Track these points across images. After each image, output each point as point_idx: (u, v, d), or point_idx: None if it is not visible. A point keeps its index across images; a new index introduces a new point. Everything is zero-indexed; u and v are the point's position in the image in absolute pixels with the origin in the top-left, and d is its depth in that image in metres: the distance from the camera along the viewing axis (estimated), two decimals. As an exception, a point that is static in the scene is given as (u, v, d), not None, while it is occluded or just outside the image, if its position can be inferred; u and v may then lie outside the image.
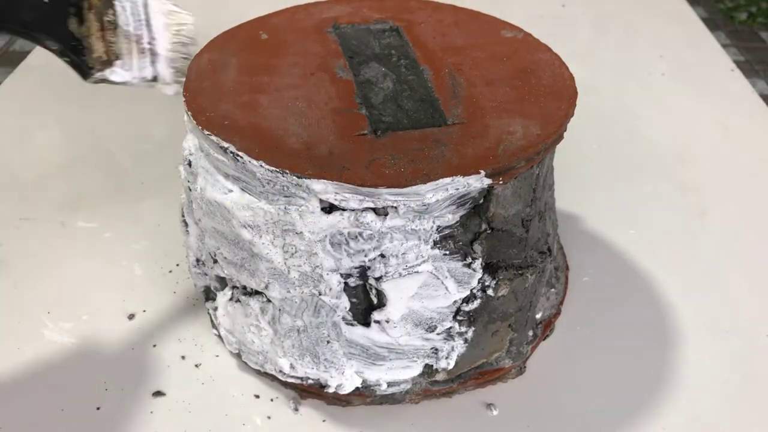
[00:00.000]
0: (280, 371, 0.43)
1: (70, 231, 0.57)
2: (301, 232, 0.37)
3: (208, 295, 0.47)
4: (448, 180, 0.35)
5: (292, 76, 0.42)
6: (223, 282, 0.45)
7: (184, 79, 0.40)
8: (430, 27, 0.47)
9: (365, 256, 0.37)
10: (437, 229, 0.37)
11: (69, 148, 0.66)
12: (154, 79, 0.39)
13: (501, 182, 0.37)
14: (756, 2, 1.56)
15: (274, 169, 0.35)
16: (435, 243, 0.37)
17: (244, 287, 0.42)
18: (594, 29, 0.87)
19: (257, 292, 0.42)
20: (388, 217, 0.36)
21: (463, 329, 0.41)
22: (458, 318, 0.40)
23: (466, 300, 0.40)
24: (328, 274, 0.38)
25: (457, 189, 0.36)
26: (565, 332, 0.49)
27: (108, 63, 0.37)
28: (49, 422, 0.43)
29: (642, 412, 0.45)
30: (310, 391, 0.44)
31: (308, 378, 0.43)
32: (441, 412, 0.44)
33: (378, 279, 0.38)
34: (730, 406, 0.45)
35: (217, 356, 0.47)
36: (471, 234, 0.38)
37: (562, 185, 0.50)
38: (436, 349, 0.42)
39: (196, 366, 0.47)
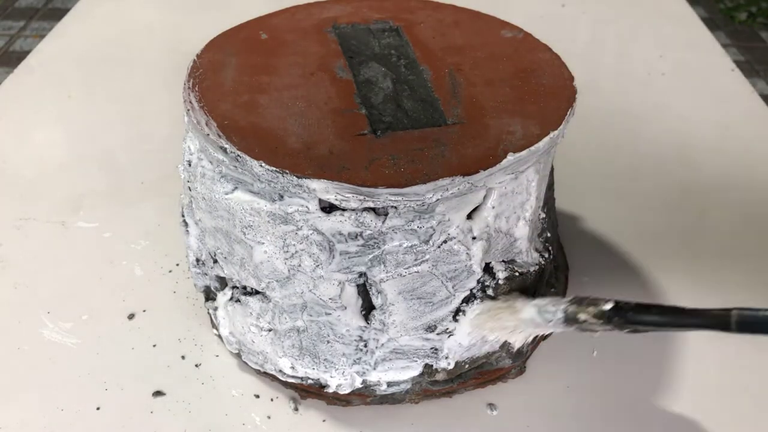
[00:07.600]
0: (280, 371, 0.43)
1: (70, 231, 0.57)
2: (301, 233, 0.37)
3: (208, 295, 0.47)
4: (448, 180, 0.35)
5: (292, 76, 0.42)
6: (223, 282, 0.45)
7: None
8: (430, 27, 0.47)
9: (365, 256, 0.37)
10: (437, 229, 0.37)
11: (69, 148, 0.66)
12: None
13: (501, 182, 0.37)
14: (756, 2, 1.56)
15: (273, 169, 0.35)
16: (435, 243, 0.37)
17: (244, 287, 0.42)
18: (594, 29, 0.87)
19: (257, 292, 0.42)
20: (388, 217, 0.36)
21: (463, 329, 0.41)
22: (458, 318, 0.40)
23: (466, 300, 0.40)
24: (328, 274, 0.38)
25: (457, 189, 0.36)
26: (565, 332, 0.49)
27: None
28: (49, 422, 0.43)
29: (642, 412, 0.45)
30: (310, 391, 0.44)
31: (308, 378, 0.43)
32: (441, 412, 0.44)
33: (378, 279, 0.38)
34: (730, 406, 0.45)
35: (217, 356, 0.47)
36: (471, 234, 0.38)
37: (562, 185, 0.50)
38: (436, 349, 0.41)
39: (196, 366, 0.47)
